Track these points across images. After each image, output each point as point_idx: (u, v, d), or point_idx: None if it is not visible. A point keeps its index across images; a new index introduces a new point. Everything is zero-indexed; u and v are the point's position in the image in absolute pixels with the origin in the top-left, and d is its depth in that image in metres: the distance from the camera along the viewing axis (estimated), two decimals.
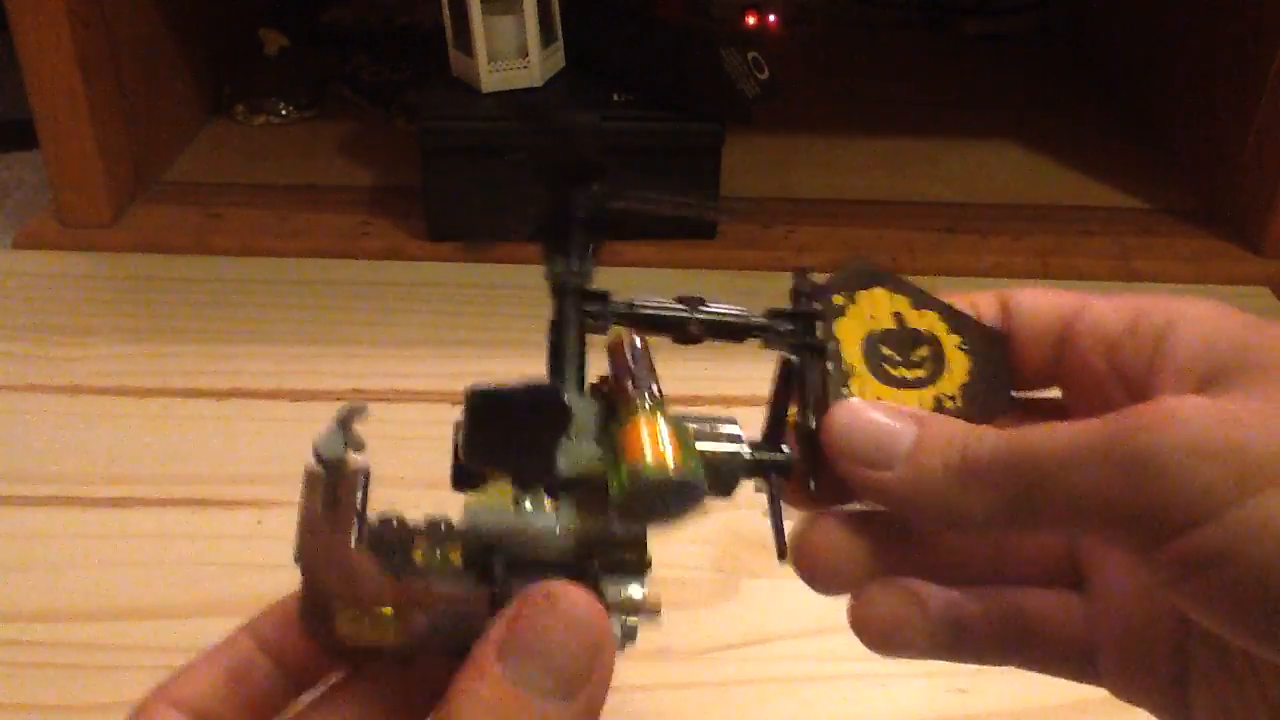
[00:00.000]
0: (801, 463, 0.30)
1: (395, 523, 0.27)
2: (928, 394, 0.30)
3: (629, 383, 0.28)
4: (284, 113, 0.97)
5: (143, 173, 0.85)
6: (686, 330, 0.30)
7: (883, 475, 0.28)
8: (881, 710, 0.48)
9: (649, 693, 0.48)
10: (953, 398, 0.30)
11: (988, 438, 0.27)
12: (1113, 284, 0.80)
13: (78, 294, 0.76)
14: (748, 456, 0.29)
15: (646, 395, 0.28)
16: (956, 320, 0.31)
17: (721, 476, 0.28)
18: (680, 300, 0.30)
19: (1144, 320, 0.29)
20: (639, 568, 0.27)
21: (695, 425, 0.28)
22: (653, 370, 0.29)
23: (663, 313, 0.30)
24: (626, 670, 0.49)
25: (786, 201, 0.86)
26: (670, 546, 0.54)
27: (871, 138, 0.97)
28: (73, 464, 0.60)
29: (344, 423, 0.28)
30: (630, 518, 0.27)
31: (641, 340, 0.29)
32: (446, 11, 0.79)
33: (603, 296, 0.30)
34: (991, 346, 0.31)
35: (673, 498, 0.26)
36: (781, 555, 0.29)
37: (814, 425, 0.30)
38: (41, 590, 0.52)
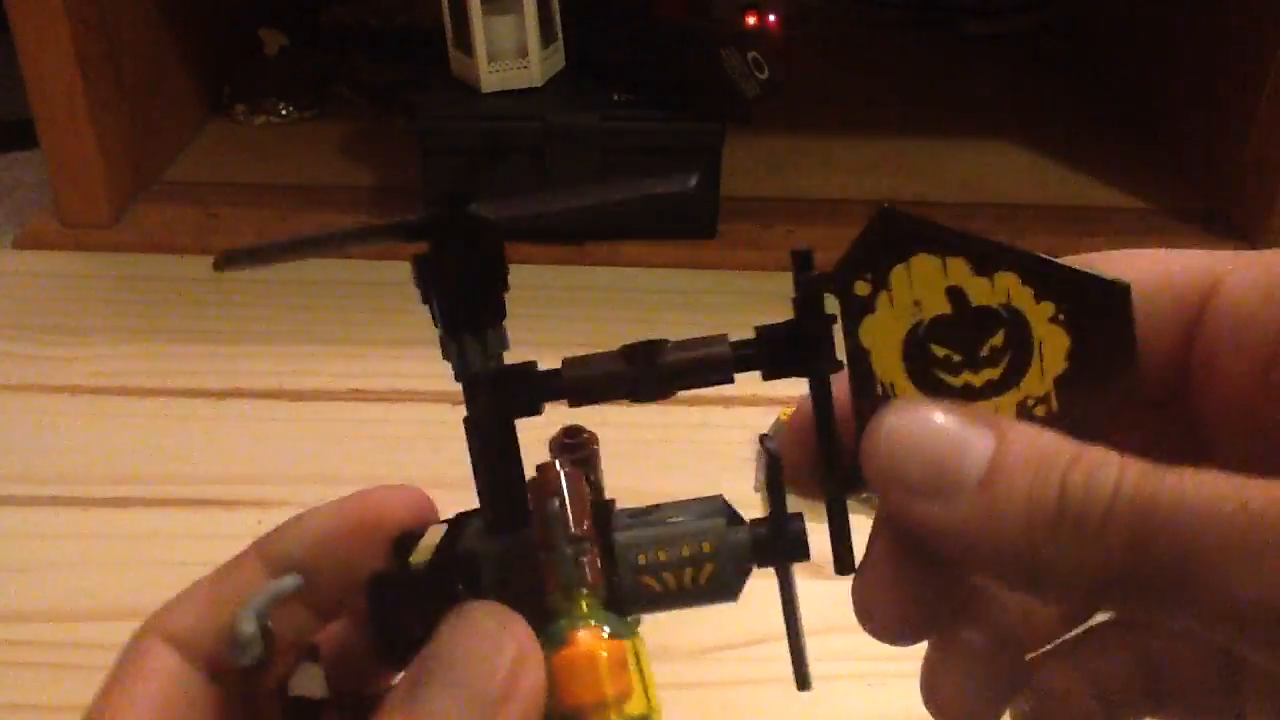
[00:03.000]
0: (839, 545, 0.23)
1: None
2: (1007, 401, 0.22)
3: (560, 554, 0.22)
4: (284, 113, 0.97)
5: (143, 173, 0.85)
6: (640, 394, 0.23)
7: (939, 510, 0.20)
8: (882, 710, 0.48)
9: None
10: (1044, 399, 0.22)
11: (1103, 469, 0.19)
12: None
13: (78, 294, 0.76)
14: (743, 544, 0.24)
15: (583, 579, 0.22)
16: (1047, 277, 0.21)
17: (719, 585, 0.24)
18: (629, 351, 0.23)
19: None
20: None
21: (662, 546, 0.23)
22: (588, 506, 0.23)
23: (604, 378, 0.23)
24: None
25: (786, 201, 0.86)
26: None
27: (871, 138, 0.97)
28: (73, 464, 0.60)
29: (261, 612, 0.24)
30: None
31: (574, 467, 0.23)
32: (446, 11, 0.79)
33: (526, 374, 0.24)
34: (1104, 309, 0.21)
35: None
36: (802, 683, 0.24)
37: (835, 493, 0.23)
38: (41, 590, 0.52)
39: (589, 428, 0.51)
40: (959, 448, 0.20)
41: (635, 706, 0.21)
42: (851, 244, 0.22)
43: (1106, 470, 0.19)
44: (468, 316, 0.23)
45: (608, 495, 0.25)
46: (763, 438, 0.25)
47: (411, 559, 0.24)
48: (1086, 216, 0.86)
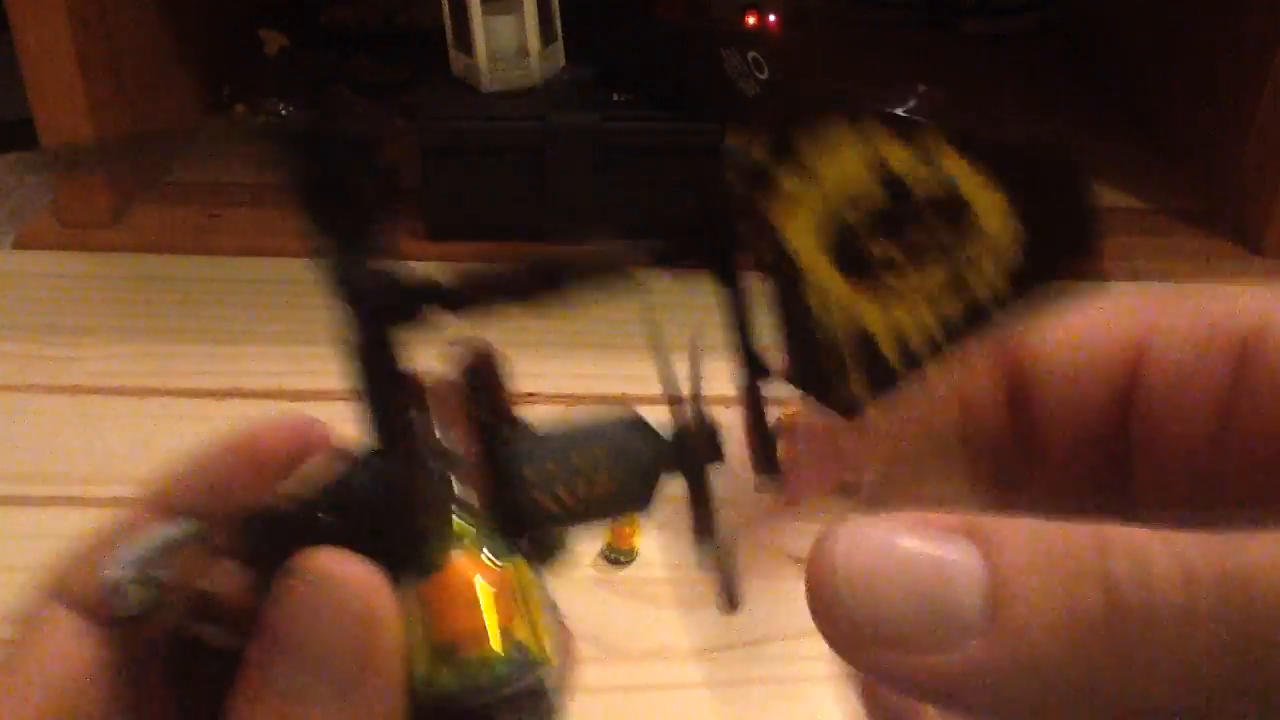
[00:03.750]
0: (758, 455, 0.21)
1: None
2: (949, 290, 0.18)
3: (426, 470, 0.20)
4: (284, 113, 0.97)
5: (143, 173, 0.85)
6: (521, 284, 0.21)
7: (937, 663, 0.15)
8: None
9: (649, 693, 0.48)
10: (989, 283, 0.18)
11: (1146, 549, 0.14)
12: (1112, 284, 0.79)
13: (78, 294, 0.76)
14: (643, 448, 0.21)
15: (453, 496, 0.20)
16: (977, 139, 0.18)
17: (623, 495, 0.21)
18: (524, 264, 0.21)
19: (1220, 338, 0.18)
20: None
21: (551, 457, 0.21)
22: (466, 418, 0.20)
23: (483, 273, 0.21)
24: (627, 671, 0.49)
25: None
26: (670, 546, 0.54)
27: None
28: (73, 464, 0.60)
29: (143, 559, 0.22)
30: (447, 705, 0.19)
31: (454, 380, 0.21)
32: (446, 11, 0.79)
33: (401, 279, 0.21)
34: (1044, 161, 0.18)
35: (505, 686, 0.19)
36: (730, 602, 0.21)
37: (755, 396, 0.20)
38: None
39: None
40: (942, 578, 0.15)
41: (516, 638, 0.19)
42: (762, 121, 0.18)
43: (1151, 549, 0.14)
44: (342, 222, 0.21)
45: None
46: (694, 338, 0.22)
47: (289, 490, 0.22)
48: None
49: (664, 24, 0.87)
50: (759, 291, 0.21)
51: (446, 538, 0.20)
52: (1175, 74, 0.95)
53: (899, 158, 0.18)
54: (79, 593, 0.24)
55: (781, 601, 0.52)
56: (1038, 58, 1.15)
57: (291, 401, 0.65)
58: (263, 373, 0.67)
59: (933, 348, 0.19)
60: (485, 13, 0.77)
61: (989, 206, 0.18)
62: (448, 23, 0.80)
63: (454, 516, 0.20)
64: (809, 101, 0.19)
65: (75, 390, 0.66)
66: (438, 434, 0.20)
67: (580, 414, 0.22)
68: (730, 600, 0.21)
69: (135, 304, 0.75)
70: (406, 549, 0.20)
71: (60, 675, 0.23)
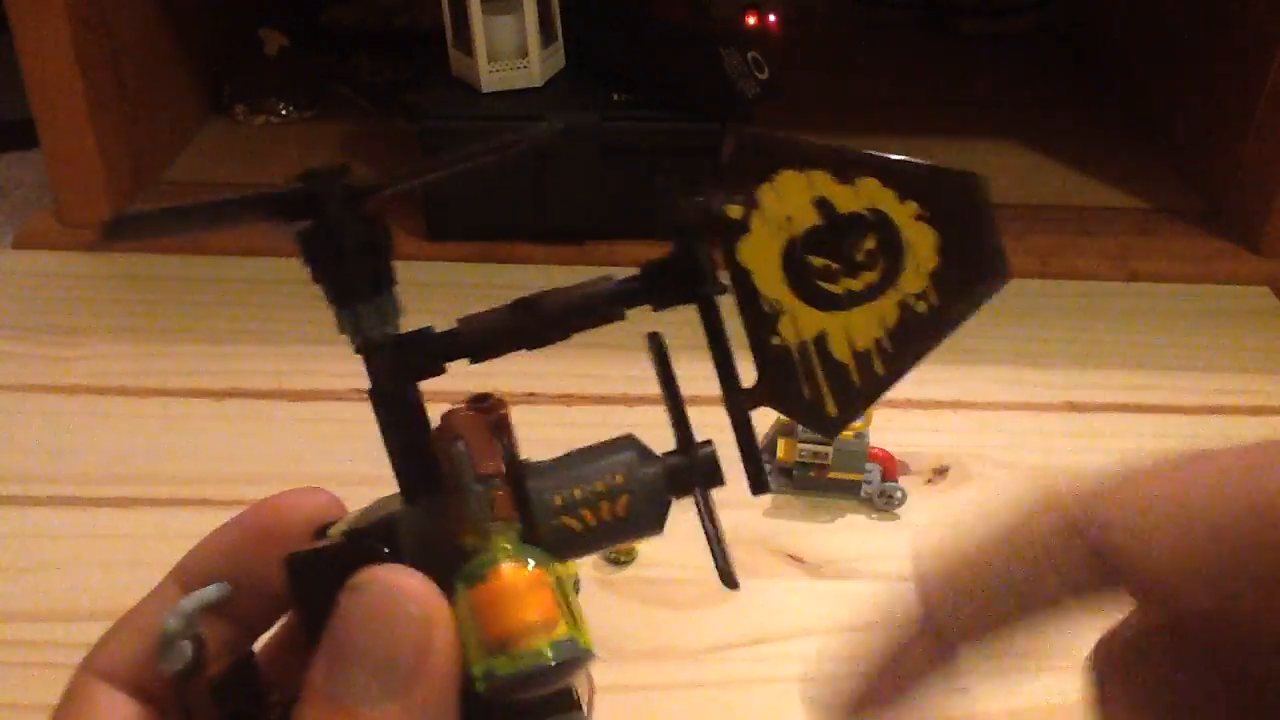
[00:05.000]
0: (750, 465, 0.23)
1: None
2: (889, 302, 0.22)
3: (469, 492, 0.22)
4: (284, 113, 0.97)
5: (143, 173, 0.85)
6: (531, 335, 0.24)
7: None
8: None
9: (649, 693, 0.48)
10: (923, 294, 0.22)
11: None
12: (1113, 284, 0.79)
13: (78, 294, 0.76)
14: (656, 476, 0.23)
15: (494, 513, 0.22)
16: (903, 177, 0.22)
17: (639, 517, 0.23)
18: (515, 303, 0.24)
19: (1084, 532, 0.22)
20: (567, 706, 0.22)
21: (575, 484, 0.23)
22: (497, 444, 0.23)
23: (496, 327, 0.23)
24: (627, 671, 0.49)
25: None
26: (670, 546, 0.54)
27: (871, 138, 0.97)
28: (73, 464, 0.60)
29: (189, 617, 0.24)
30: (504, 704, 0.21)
31: (481, 416, 0.23)
32: (446, 11, 0.79)
33: (423, 336, 0.23)
34: (961, 200, 0.22)
35: (557, 674, 0.21)
36: (728, 581, 0.24)
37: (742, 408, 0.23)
38: (41, 590, 0.52)
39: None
40: None
41: (562, 631, 0.21)
42: (717, 169, 0.22)
43: None
44: (359, 284, 0.23)
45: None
46: (651, 335, 0.24)
47: (330, 534, 0.24)
48: (1086, 216, 0.86)
49: (664, 24, 0.87)
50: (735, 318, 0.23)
51: (492, 550, 0.22)
52: (1175, 74, 0.95)
53: (842, 198, 0.22)
54: (115, 667, 0.25)
55: (782, 601, 0.52)
56: (1038, 58, 1.15)
57: (291, 401, 0.65)
58: (263, 373, 0.67)
59: (880, 352, 0.22)
60: (485, 13, 0.77)
61: (918, 235, 0.22)
62: (448, 23, 0.80)
63: (496, 531, 0.22)
64: (764, 156, 0.22)
65: (75, 390, 0.66)
66: (475, 459, 0.23)
67: (580, 449, 0.24)
68: (727, 577, 0.23)
69: (135, 304, 0.75)
70: (456, 566, 0.22)
71: None
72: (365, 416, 0.24)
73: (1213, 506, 0.21)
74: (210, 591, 0.24)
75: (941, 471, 0.61)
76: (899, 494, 0.57)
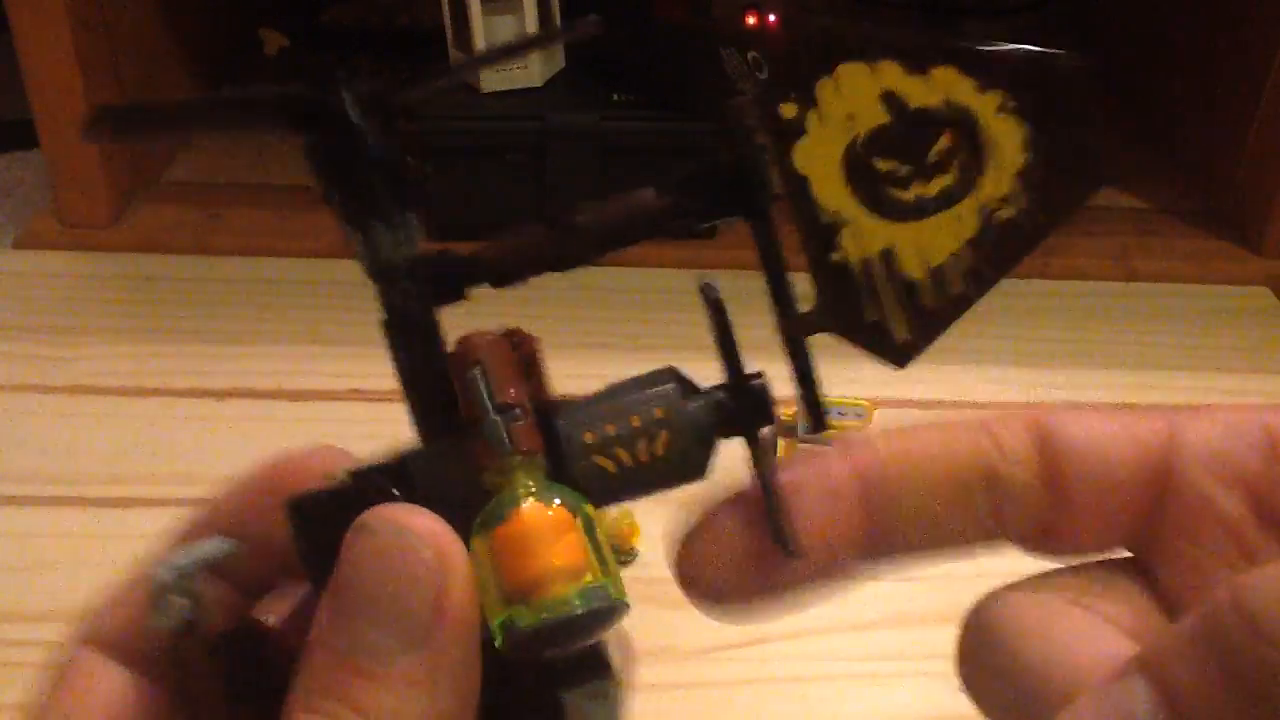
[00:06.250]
0: (807, 402, 0.20)
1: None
2: (968, 209, 0.18)
3: (487, 422, 0.20)
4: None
5: (143, 173, 0.85)
6: (564, 256, 0.21)
7: None
8: (881, 710, 0.48)
9: (649, 693, 0.48)
10: (1009, 198, 0.18)
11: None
12: (1113, 284, 0.79)
13: (78, 294, 0.76)
14: (699, 411, 0.20)
15: (516, 445, 0.19)
16: (987, 64, 0.18)
17: (681, 458, 0.20)
18: (549, 218, 0.22)
19: (1251, 431, 0.20)
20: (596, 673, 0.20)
21: (609, 419, 0.20)
22: (524, 375, 0.20)
23: (525, 247, 0.21)
24: (627, 671, 0.49)
25: None
26: (670, 547, 0.54)
27: None
28: (73, 464, 0.60)
29: (185, 571, 0.21)
30: (528, 659, 0.19)
31: (504, 340, 0.21)
32: (446, 11, 0.79)
33: (444, 257, 0.21)
34: (1057, 84, 0.18)
35: (585, 627, 0.19)
36: (786, 546, 0.20)
37: (794, 324, 0.20)
38: (42, 590, 0.52)
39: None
40: None
41: (591, 579, 0.19)
42: (774, 59, 0.19)
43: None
44: (378, 199, 0.20)
45: None
46: (704, 286, 0.21)
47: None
48: (1086, 216, 0.86)
49: (664, 24, 0.87)
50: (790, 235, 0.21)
51: (514, 487, 0.19)
52: (1175, 74, 0.95)
53: (914, 92, 0.18)
54: (110, 636, 0.23)
55: None
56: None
57: (291, 401, 0.65)
58: (263, 373, 0.67)
59: (957, 267, 0.19)
60: (485, 13, 0.77)
61: (1003, 131, 0.18)
62: (448, 23, 0.80)
63: (518, 466, 0.20)
64: (823, 45, 0.19)
65: (75, 390, 0.66)
66: (494, 386, 0.20)
67: (617, 382, 0.21)
68: (786, 541, 0.20)
69: (135, 304, 0.75)
70: (476, 509, 0.19)
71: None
72: (365, 416, 0.24)
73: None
74: (209, 546, 0.22)
75: None
76: None
